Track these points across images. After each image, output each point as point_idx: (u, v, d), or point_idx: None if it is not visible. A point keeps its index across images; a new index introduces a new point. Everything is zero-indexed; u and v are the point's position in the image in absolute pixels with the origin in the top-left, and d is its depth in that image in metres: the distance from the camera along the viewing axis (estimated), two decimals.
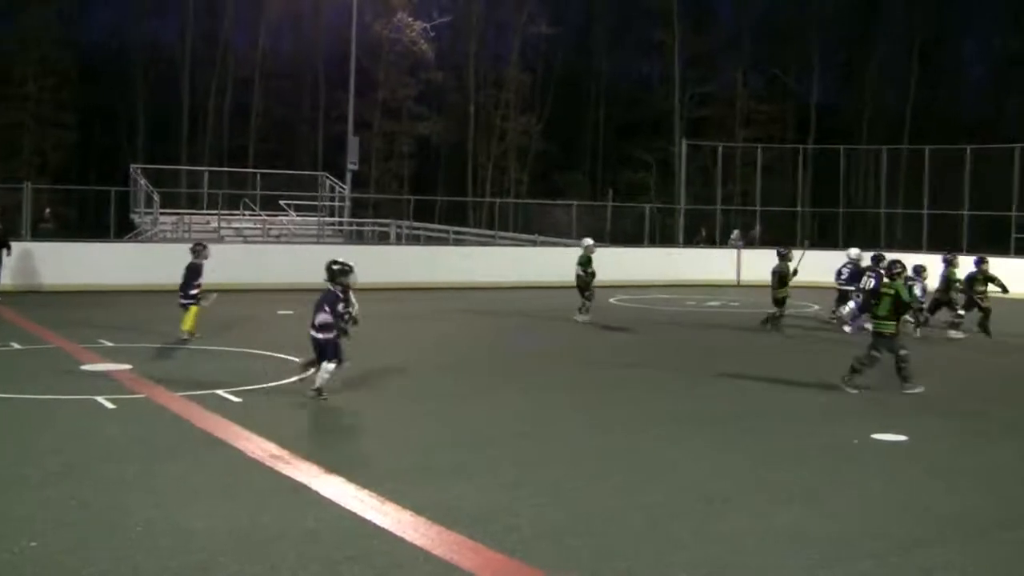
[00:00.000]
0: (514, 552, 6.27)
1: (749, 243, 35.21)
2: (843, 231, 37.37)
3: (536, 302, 23.98)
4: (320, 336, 10.87)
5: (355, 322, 11.33)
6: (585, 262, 20.61)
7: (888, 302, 12.41)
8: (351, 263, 11.20)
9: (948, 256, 20.04)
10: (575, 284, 20.60)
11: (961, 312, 19.24)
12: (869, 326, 13.86)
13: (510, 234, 35.87)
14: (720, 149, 39.05)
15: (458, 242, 34.78)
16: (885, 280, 13.47)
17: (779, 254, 19.86)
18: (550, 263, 27.88)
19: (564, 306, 20.96)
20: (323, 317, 10.80)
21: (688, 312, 23.79)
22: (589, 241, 21.48)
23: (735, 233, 36.20)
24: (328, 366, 10.85)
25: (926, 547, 6.71)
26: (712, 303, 25.80)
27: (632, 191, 49.20)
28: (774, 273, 19.58)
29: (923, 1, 52.21)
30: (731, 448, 9.50)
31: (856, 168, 44.72)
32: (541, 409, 11.33)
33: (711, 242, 36.55)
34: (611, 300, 24.06)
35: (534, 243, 33.38)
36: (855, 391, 12.16)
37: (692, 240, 36.72)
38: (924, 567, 6.32)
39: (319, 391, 10.86)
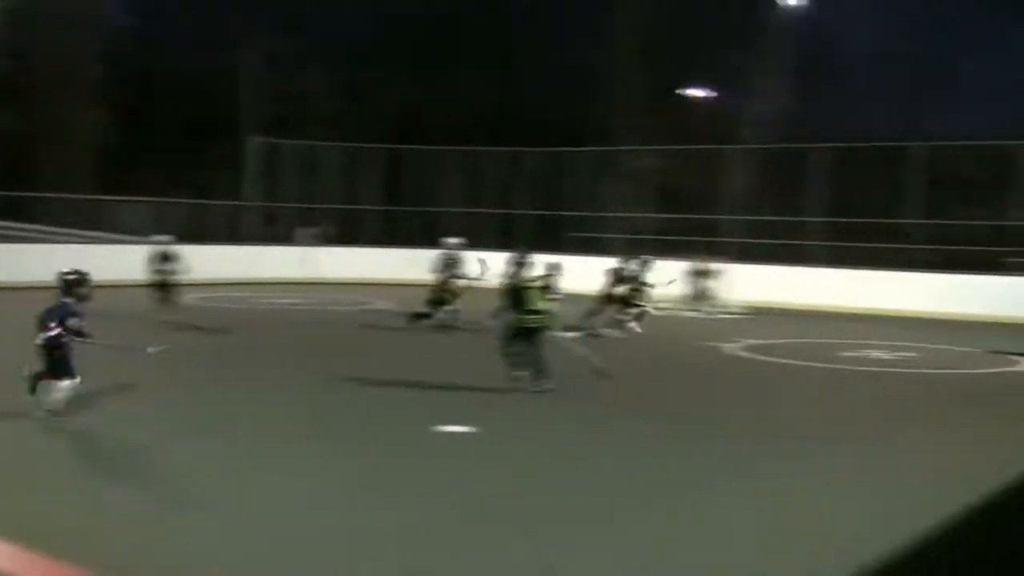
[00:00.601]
0: None
1: (324, 241, 35.83)
2: (415, 229, 38.88)
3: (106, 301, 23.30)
4: (54, 352, 10.15)
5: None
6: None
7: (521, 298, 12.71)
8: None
9: (642, 258, 21.52)
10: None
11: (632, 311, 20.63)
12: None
13: (76, 231, 34.55)
14: (292, 147, 39.41)
15: (20, 239, 33.10)
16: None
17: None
18: (118, 261, 27.00)
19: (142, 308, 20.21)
20: (55, 330, 10.08)
21: (265, 310, 24.02)
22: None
23: (307, 231, 36.73)
24: (64, 384, 10.19)
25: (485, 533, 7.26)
26: (284, 301, 26.15)
27: (208, 188, 48.47)
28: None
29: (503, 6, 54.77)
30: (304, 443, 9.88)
31: (431, 168, 46.45)
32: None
33: (288, 240, 36.87)
34: (189, 299, 23.68)
35: (101, 240, 32.40)
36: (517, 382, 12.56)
37: (270, 238, 36.88)
38: (494, 553, 6.81)
39: (53, 411, 10.20)
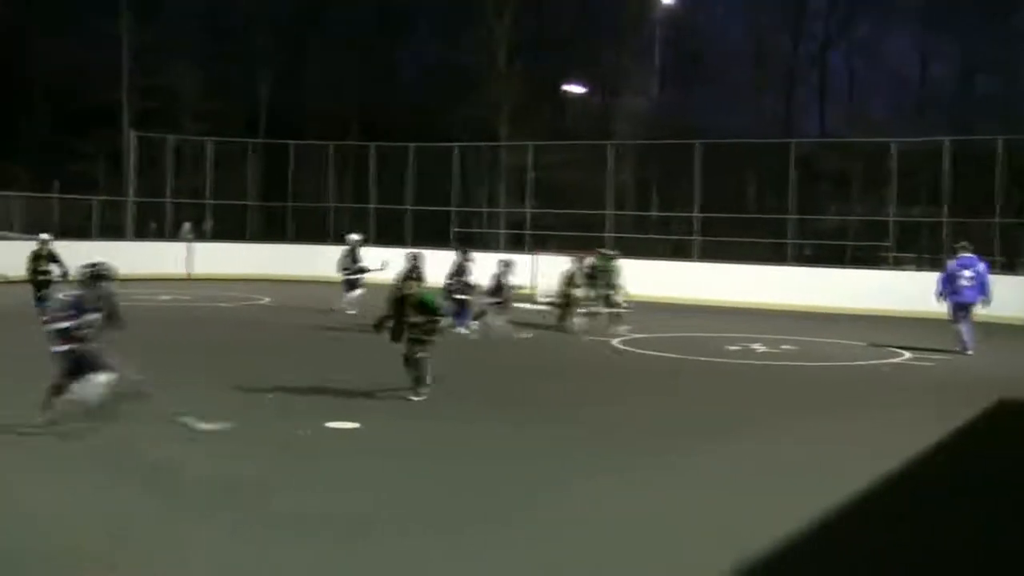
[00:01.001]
0: None
1: (205, 237, 35.31)
2: (291, 224, 38.55)
3: None
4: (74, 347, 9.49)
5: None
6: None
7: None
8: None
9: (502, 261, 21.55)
10: None
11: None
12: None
13: None
14: (169, 141, 38.70)
15: None
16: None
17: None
18: None
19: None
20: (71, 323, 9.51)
21: (143, 307, 23.51)
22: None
23: (186, 226, 36.14)
24: (101, 378, 9.52)
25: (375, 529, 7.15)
26: (163, 297, 25.69)
27: (79, 183, 47.28)
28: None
29: (364, 5, 54.46)
30: (189, 443, 9.62)
31: (305, 163, 46.04)
32: None
33: (161, 235, 36.23)
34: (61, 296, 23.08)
35: None
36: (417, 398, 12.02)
37: (143, 233, 36.21)
38: (382, 549, 6.73)
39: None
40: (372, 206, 37.94)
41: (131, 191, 37.80)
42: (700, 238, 34.61)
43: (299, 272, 33.95)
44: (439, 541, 6.91)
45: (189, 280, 31.46)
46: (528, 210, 36.91)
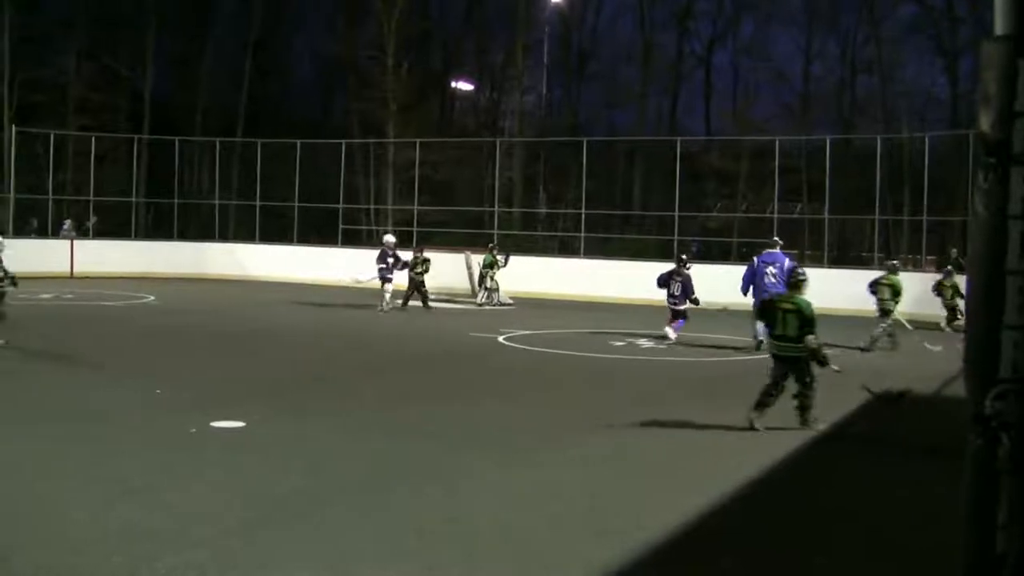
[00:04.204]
0: None
1: (83, 234, 34.70)
2: (178, 221, 38.08)
3: None
4: None
5: None
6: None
7: (793, 319, 11.06)
8: None
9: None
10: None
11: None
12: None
13: None
14: (52, 137, 37.91)
15: None
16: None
17: None
18: None
19: None
20: None
21: (23, 306, 23.06)
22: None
23: (67, 223, 35.51)
24: None
25: (259, 528, 7.06)
26: (45, 295, 25.21)
27: None
28: None
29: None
30: (69, 444, 9.57)
31: (191, 159, 45.48)
32: None
33: (43, 232, 35.52)
34: None
35: None
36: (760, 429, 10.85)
37: (24, 231, 35.45)
38: (257, 549, 6.63)
39: None
40: (258, 203, 37.62)
41: (12, 187, 36.90)
42: (586, 235, 35.02)
43: (185, 270, 33.57)
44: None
45: (72, 279, 30.87)
46: (415, 207, 36.93)
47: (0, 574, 6.12)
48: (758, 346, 17.32)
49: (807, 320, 10.89)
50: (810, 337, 10.82)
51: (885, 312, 19.19)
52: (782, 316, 11.05)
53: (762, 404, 10.89)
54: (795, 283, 11.52)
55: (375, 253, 25.03)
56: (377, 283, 24.52)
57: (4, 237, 18.25)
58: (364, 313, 24.12)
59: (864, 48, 47.88)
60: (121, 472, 8.49)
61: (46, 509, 7.39)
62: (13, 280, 16.82)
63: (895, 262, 22.07)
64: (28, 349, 15.74)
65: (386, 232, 25.59)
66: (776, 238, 19.68)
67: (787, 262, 18.37)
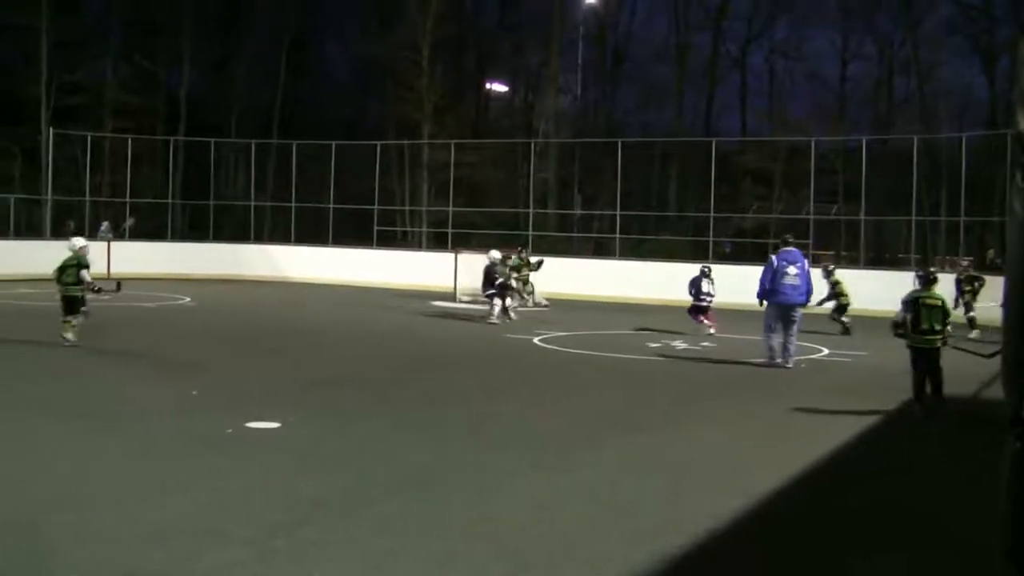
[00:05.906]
0: None
1: (121, 235, 34.88)
2: (213, 223, 38.25)
3: None
4: None
5: None
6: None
7: (938, 313, 12.21)
8: None
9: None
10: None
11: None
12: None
13: None
14: (89, 139, 38.18)
15: None
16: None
17: None
18: None
19: None
20: None
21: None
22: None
23: (104, 225, 35.72)
24: None
25: (300, 528, 6.99)
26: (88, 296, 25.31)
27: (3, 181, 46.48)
28: None
29: (290, 1, 54.07)
30: (108, 442, 9.57)
31: (226, 161, 45.67)
32: None
33: (80, 234, 35.78)
34: None
35: None
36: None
37: (60, 232, 35.68)
38: (299, 549, 6.57)
39: None
40: (294, 204, 37.75)
41: (49, 189, 37.22)
42: (621, 236, 34.90)
43: (221, 271, 33.73)
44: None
45: (108, 280, 31.00)
46: (451, 208, 36.93)
47: (41, 571, 6.12)
48: (770, 360, 16.34)
49: (947, 313, 12.30)
50: (949, 328, 12.22)
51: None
52: (927, 312, 12.16)
53: (920, 397, 12.11)
54: (933, 279, 12.61)
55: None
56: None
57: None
58: (397, 315, 24.14)
59: (901, 48, 47.48)
60: (159, 471, 8.51)
61: (86, 507, 7.40)
62: (117, 284, 17.04)
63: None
64: (63, 348, 15.84)
65: (490, 251, 24.23)
66: (788, 236, 17.83)
67: (806, 262, 16.74)
